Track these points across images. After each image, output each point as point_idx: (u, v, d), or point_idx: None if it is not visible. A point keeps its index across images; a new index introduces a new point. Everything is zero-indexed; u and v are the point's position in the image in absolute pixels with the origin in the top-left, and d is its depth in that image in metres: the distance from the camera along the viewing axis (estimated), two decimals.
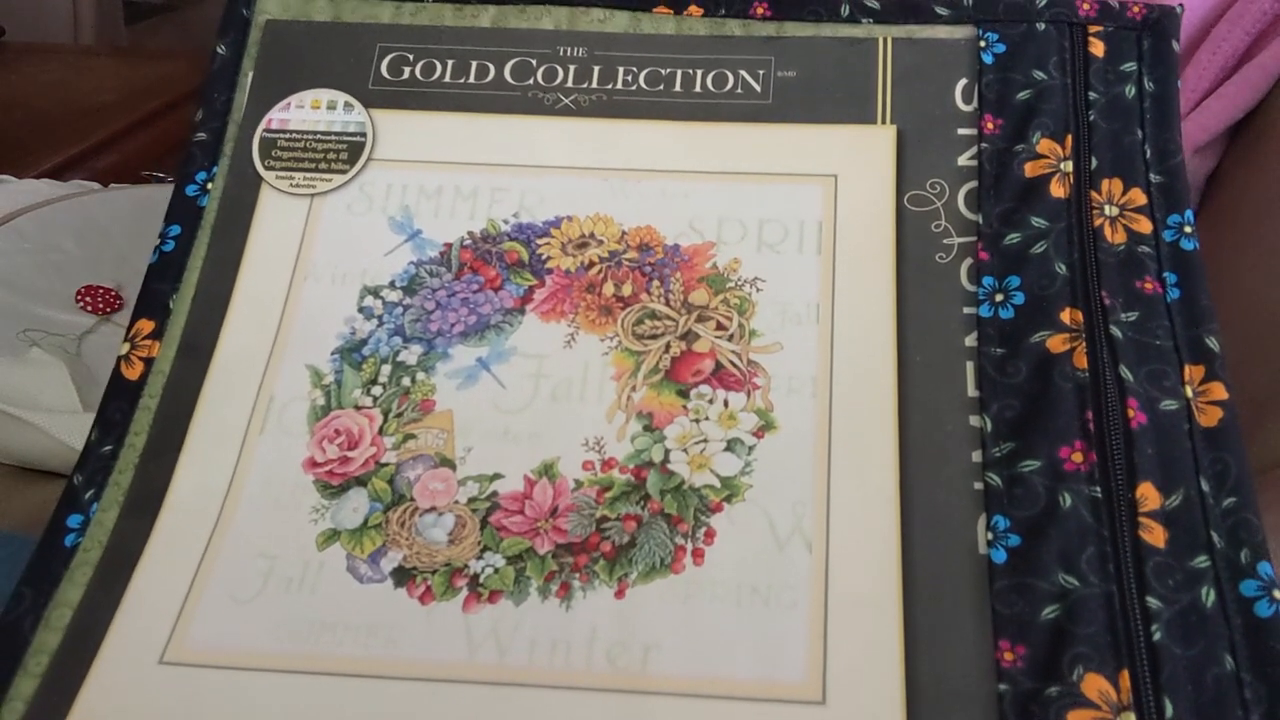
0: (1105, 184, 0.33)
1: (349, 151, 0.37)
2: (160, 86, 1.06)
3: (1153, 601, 0.26)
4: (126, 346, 0.34)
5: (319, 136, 0.38)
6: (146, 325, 0.35)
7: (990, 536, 0.28)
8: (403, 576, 0.29)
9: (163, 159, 0.93)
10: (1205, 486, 0.28)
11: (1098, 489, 0.28)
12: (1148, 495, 0.28)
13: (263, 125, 0.38)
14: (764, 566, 0.29)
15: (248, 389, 0.33)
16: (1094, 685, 0.25)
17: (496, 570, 0.29)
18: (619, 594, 0.29)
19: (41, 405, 0.45)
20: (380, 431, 0.32)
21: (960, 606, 0.27)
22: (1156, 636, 0.26)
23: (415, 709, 0.27)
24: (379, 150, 0.37)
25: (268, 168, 0.37)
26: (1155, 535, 0.27)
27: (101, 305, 0.53)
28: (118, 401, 0.33)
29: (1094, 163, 0.33)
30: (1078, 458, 0.29)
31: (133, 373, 0.34)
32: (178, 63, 1.11)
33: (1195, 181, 0.44)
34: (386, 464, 0.32)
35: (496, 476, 0.31)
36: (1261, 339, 0.38)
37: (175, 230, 0.36)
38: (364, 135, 0.38)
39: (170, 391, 0.33)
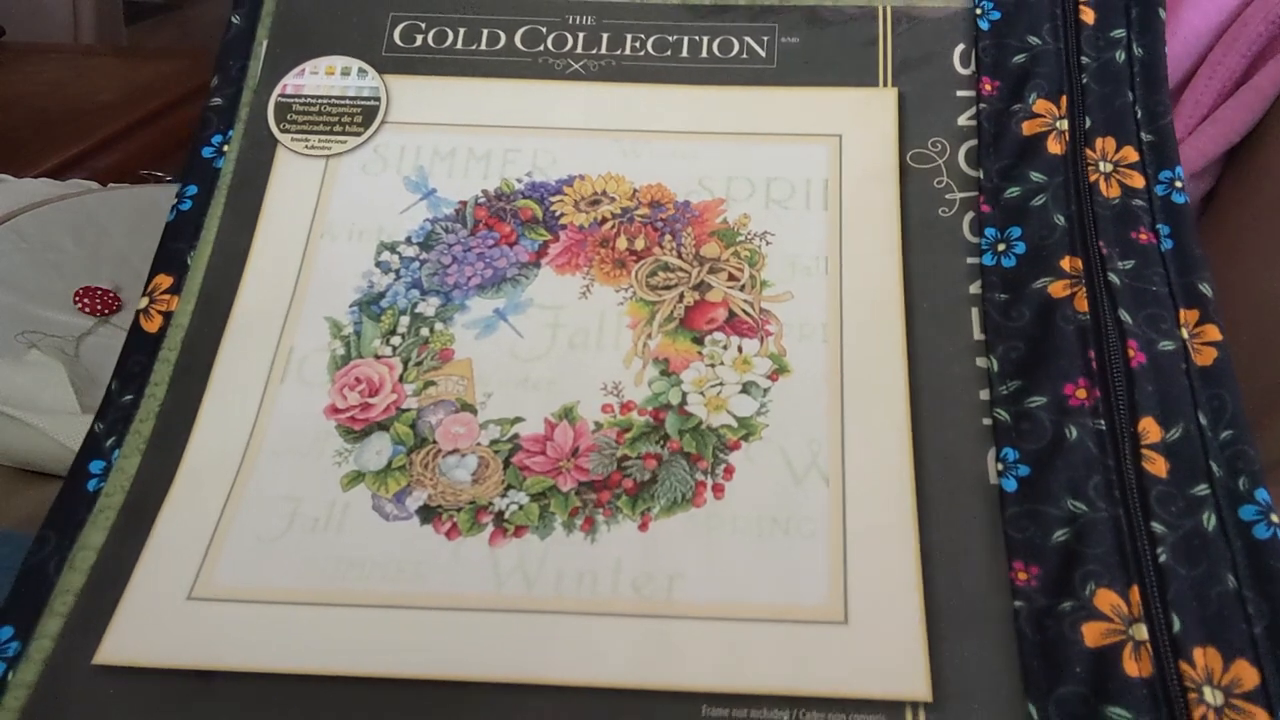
0: (1099, 142, 0.34)
1: (363, 115, 0.38)
2: (160, 86, 1.05)
3: (1157, 526, 0.27)
4: (145, 301, 0.35)
5: (333, 101, 0.38)
6: (165, 280, 0.35)
7: (1000, 468, 0.29)
8: (428, 514, 0.30)
9: (163, 159, 0.92)
10: (1203, 421, 0.29)
11: (1101, 423, 0.29)
12: (1149, 429, 0.29)
13: (278, 90, 0.39)
14: (783, 500, 0.30)
15: (267, 341, 0.34)
16: (1106, 600, 0.26)
17: (521, 507, 0.30)
18: (642, 527, 0.29)
19: (40, 407, 0.45)
20: (400, 379, 0.33)
21: (974, 532, 0.28)
22: (1162, 558, 0.27)
23: (445, 636, 0.28)
24: (393, 113, 0.38)
25: (283, 130, 0.38)
26: (1157, 466, 0.28)
27: (100, 306, 0.52)
28: (137, 354, 0.34)
29: (1088, 122, 0.35)
30: (1081, 394, 0.30)
31: (152, 325, 0.34)
32: (178, 62, 1.11)
33: (1191, 202, 0.45)
34: (408, 409, 0.32)
35: (517, 420, 0.32)
36: (1265, 338, 0.38)
37: (192, 190, 0.37)
38: (378, 99, 0.38)
39: (189, 344, 0.34)
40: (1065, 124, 0.35)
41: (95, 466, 0.31)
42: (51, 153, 0.89)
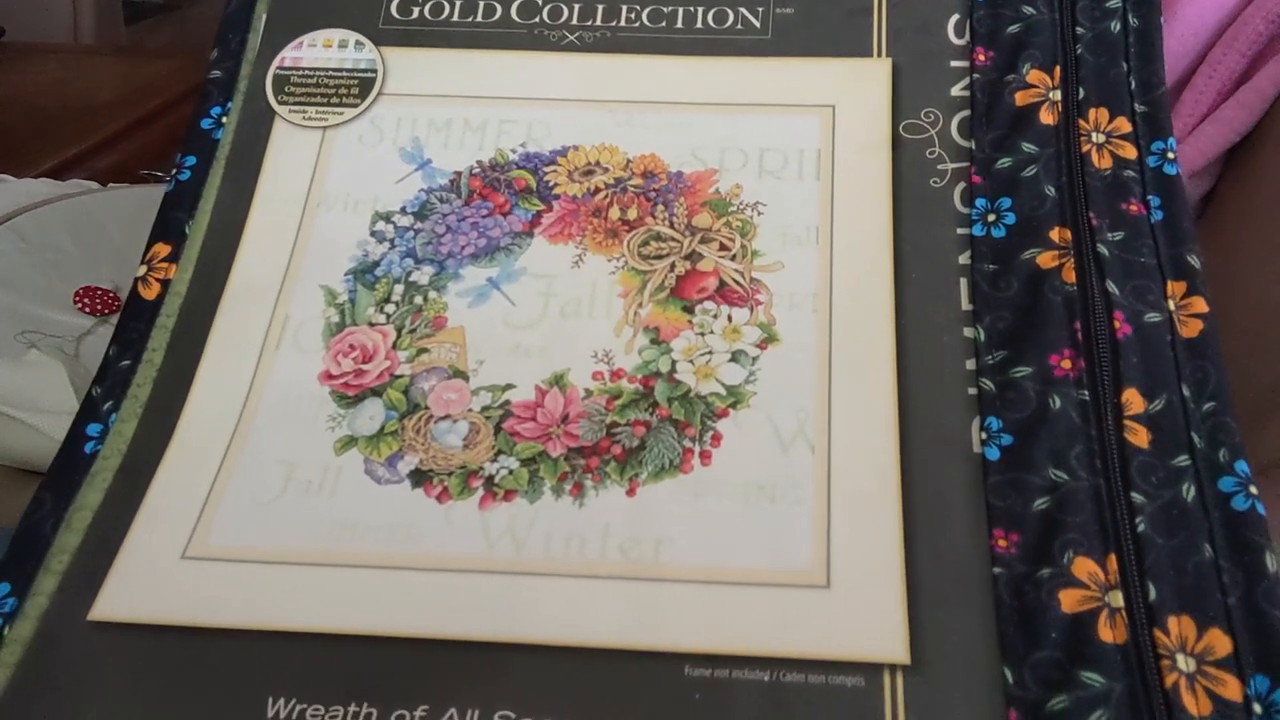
0: (1092, 113, 0.34)
1: (360, 87, 0.38)
2: (160, 86, 1.05)
3: (1137, 496, 0.28)
4: (144, 269, 0.35)
5: (331, 73, 0.39)
6: (163, 249, 0.35)
7: (984, 436, 0.29)
8: (420, 478, 0.30)
9: (163, 159, 0.92)
10: (1186, 392, 0.29)
11: (1085, 393, 0.30)
12: (1132, 400, 0.29)
13: (276, 63, 0.39)
14: (769, 467, 0.30)
15: (263, 308, 0.34)
16: (1083, 567, 0.27)
17: (511, 472, 0.30)
18: (630, 492, 0.30)
19: (40, 406, 0.45)
20: (394, 346, 0.33)
21: (956, 500, 0.29)
22: (1140, 528, 0.27)
23: (435, 596, 0.28)
24: (389, 85, 0.38)
25: (281, 102, 0.38)
26: (1139, 436, 0.29)
27: (99, 306, 0.53)
28: (135, 321, 0.34)
29: (1081, 93, 0.35)
30: (1066, 364, 0.30)
31: (150, 293, 0.35)
32: (178, 62, 1.11)
33: (1191, 202, 0.45)
34: (401, 376, 0.33)
35: (509, 387, 0.32)
36: (1262, 337, 0.38)
37: (191, 160, 0.37)
38: (374, 71, 0.39)
39: (187, 311, 0.34)
40: (1059, 95, 0.35)
41: (92, 429, 0.32)
42: (51, 153, 0.89)
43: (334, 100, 0.38)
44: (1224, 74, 0.42)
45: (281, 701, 0.26)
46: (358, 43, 0.39)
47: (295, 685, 0.26)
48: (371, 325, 0.34)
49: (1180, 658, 0.25)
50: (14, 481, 0.45)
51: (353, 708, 0.26)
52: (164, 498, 0.30)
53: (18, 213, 0.57)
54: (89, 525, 0.30)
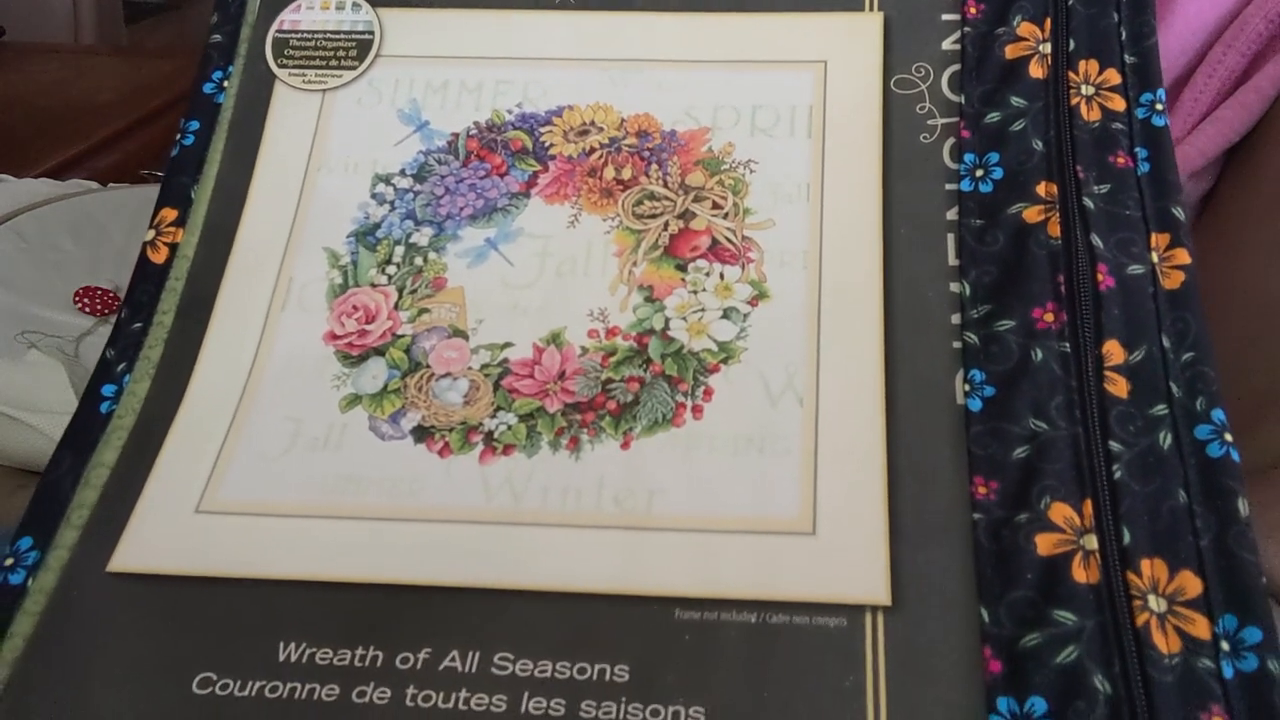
0: (1082, 64, 0.34)
1: (358, 49, 0.39)
2: (160, 86, 1.05)
3: (1115, 445, 0.28)
4: (152, 233, 0.36)
5: (329, 35, 0.39)
6: (170, 213, 0.36)
7: (967, 388, 0.30)
8: (422, 434, 0.32)
9: (162, 158, 0.92)
10: (1166, 343, 0.30)
11: (1067, 345, 0.30)
12: (1113, 351, 0.30)
13: (275, 26, 0.40)
14: (759, 420, 0.31)
15: (268, 271, 0.35)
16: (1060, 512, 0.28)
17: (509, 427, 0.31)
18: (624, 446, 0.31)
19: (39, 407, 0.46)
20: (396, 307, 0.34)
21: (939, 451, 0.30)
22: (1117, 475, 0.28)
23: (437, 546, 0.29)
24: (386, 47, 0.39)
25: (281, 66, 0.39)
26: (1119, 387, 0.29)
27: (100, 306, 0.53)
28: (145, 284, 0.35)
29: (1071, 44, 0.35)
30: (1049, 317, 0.31)
31: (158, 256, 0.36)
32: (178, 62, 1.10)
33: (1190, 202, 0.45)
34: (403, 335, 0.34)
35: (507, 345, 0.33)
36: (1260, 338, 0.38)
37: (194, 125, 0.38)
38: (372, 33, 0.39)
39: (194, 274, 0.35)
40: (1048, 47, 0.35)
41: (107, 390, 0.33)
42: (51, 153, 0.89)
43: (332, 63, 0.39)
44: (1224, 74, 0.42)
45: (292, 645, 0.28)
46: (355, 4, 0.40)
47: (304, 630, 0.28)
48: (374, 286, 0.35)
49: (1152, 598, 0.26)
50: (14, 481, 0.46)
51: (359, 650, 0.27)
52: (177, 455, 0.32)
53: (18, 213, 0.58)
54: (106, 481, 0.31)
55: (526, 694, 0.27)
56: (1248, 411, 0.30)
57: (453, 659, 0.27)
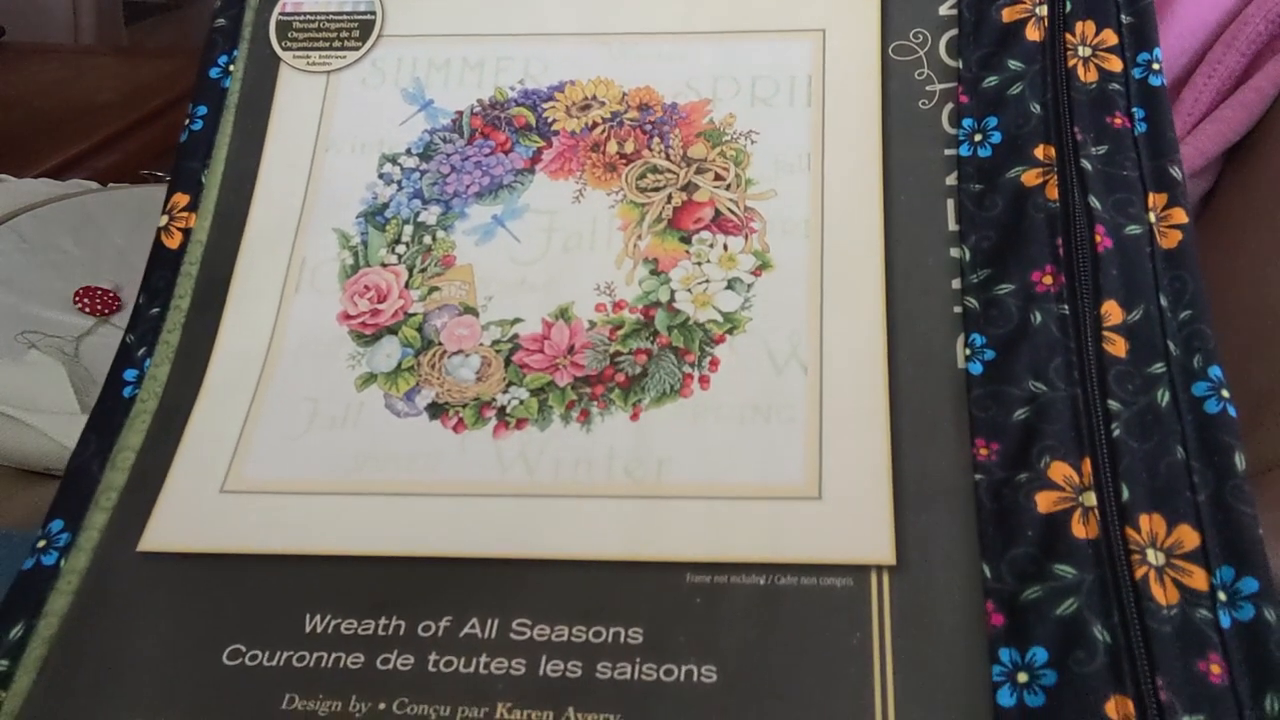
0: (1079, 26, 0.35)
1: (360, 29, 0.39)
2: (160, 85, 1.05)
3: (1113, 404, 0.29)
4: (165, 219, 0.37)
5: (332, 16, 0.40)
6: (182, 199, 0.37)
7: (968, 352, 0.31)
8: (436, 411, 0.32)
9: (163, 159, 0.91)
10: (1164, 302, 0.31)
11: (1065, 307, 0.31)
12: (1111, 312, 0.30)
13: (278, 9, 0.40)
14: (764, 388, 0.32)
15: (280, 253, 0.36)
16: (1059, 471, 0.28)
17: (521, 402, 0.32)
18: (634, 417, 0.32)
19: (40, 407, 0.46)
20: (406, 286, 0.35)
21: (941, 415, 0.30)
22: (1116, 433, 0.29)
23: (454, 519, 0.30)
24: (389, 27, 0.39)
25: (285, 48, 0.39)
26: (1117, 347, 0.30)
27: (100, 306, 0.53)
28: (161, 270, 0.36)
29: (1068, 6, 0.35)
30: (1048, 280, 0.31)
31: (173, 242, 0.36)
32: (178, 62, 1.10)
33: (1190, 201, 0.44)
34: (414, 314, 0.34)
35: (517, 321, 0.34)
36: (1260, 339, 0.38)
37: (202, 110, 0.38)
38: (374, 13, 0.39)
39: (209, 258, 0.36)
40: (1045, 9, 0.35)
41: (129, 374, 0.34)
42: (51, 153, 0.89)
43: (336, 44, 0.39)
44: (1224, 73, 0.42)
45: (318, 617, 0.29)
46: None
47: (329, 602, 0.29)
48: (384, 266, 0.35)
49: (1150, 552, 0.27)
50: (14, 481, 0.46)
51: (382, 620, 0.28)
52: (200, 437, 0.33)
53: (18, 213, 0.58)
54: (132, 464, 0.32)
55: (544, 657, 0.28)
56: (1248, 412, 0.30)
57: (473, 626, 0.28)
